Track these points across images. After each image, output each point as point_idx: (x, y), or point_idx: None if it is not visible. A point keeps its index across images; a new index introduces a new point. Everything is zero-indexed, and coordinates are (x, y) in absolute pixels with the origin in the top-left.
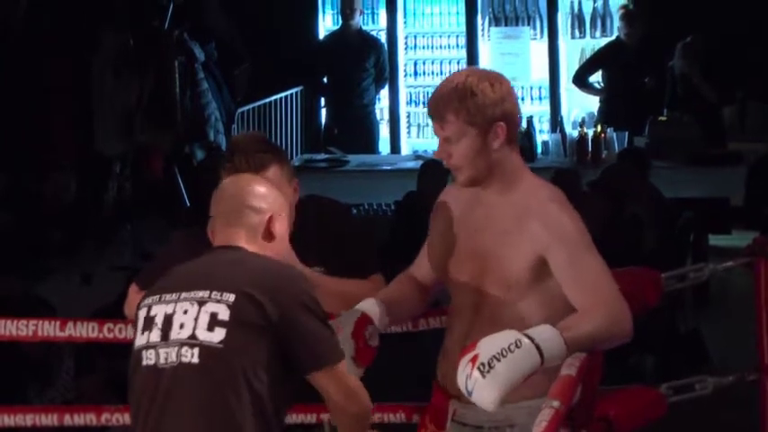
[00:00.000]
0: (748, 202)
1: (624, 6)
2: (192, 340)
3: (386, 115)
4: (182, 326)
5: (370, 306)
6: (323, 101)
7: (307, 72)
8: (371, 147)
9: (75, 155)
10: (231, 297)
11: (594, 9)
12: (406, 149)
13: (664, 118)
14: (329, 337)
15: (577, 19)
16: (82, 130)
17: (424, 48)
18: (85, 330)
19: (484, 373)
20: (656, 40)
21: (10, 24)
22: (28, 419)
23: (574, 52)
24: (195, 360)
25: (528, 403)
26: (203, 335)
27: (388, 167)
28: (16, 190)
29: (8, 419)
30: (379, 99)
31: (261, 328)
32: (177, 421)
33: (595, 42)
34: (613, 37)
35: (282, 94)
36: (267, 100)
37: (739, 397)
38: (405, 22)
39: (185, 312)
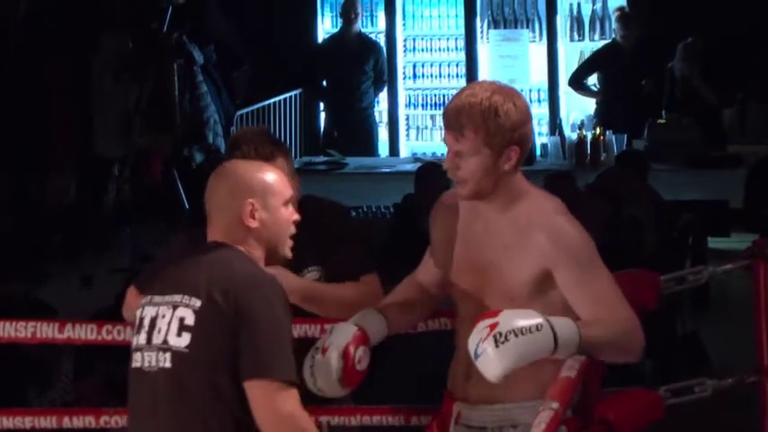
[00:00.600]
0: (747, 205)
1: (620, 8)
2: (165, 345)
3: (385, 118)
4: (159, 330)
5: (369, 320)
6: (322, 104)
7: (306, 75)
8: (370, 149)
9: (74, 157)
10: (197, 302)
11: (593, 12)
12: (404, 152)
13: (663, 120)
14: (280, 353)
15: (576, 21)
16: (81, 132)
17: (422, 50)
18: (84, 332)
19: (498, 343)
20: (653, 42)
21: (9, 26)
22: (27, 422)
23: (573, 55)
24: (168, 365)
25: (532, 403)
26: (173, 340)
27: (387, 170)
28: (16, 192)
29: (7, 422)
30: (377, 102)
31: (223, 330)
32: (153, 424)
33: (594, 45)
34: (610, 39)
35: (281, 97)
36: (266, 102)
37: (739, 399)
38: (404, 25)
39: (163, 317)
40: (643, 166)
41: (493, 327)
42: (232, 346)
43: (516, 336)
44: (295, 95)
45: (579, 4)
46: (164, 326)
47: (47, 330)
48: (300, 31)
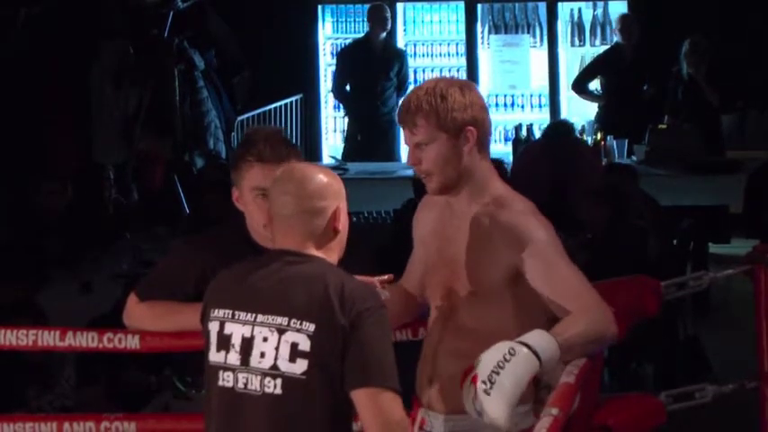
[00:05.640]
0: (748, 211)
1: (623, 14)
2: (275, 371)
3: None
4: (262, 354)
5: None
6: (343, 108)
7: (333, 80)
8: (394, 154)
9: (75, 163)
10: (311, 327)
11: (594, 17)
12: (405, 157)
13: (664, 126)
14: (386, 360)
15: (577, 27)
16: (82, 138)
17: (423, 56)
18: (85, 340)
19: (488, 390)
20: (655, 46)
21: (9, 32)
22: (28, 428)
23: (573, 60)
24: (278, 391)
25: None
26: (285, 365)
27: (388, 175)
28: (15, 199)
29: (8, 428)
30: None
31: (340, 351)
32: None
33: (595, 50)
34: (612, 44)
35: (282, 102)
36: (267, 108)
37: (739, 405)
38: (404, 30)
39: (265, 340)
40: (632, 178)
41: (475, 380)
42: (344, 361)
43: (498, 372)
44: (295, 100)
45: (580, 10)
46: (269, 350)
47: (48, 338)
48: (301, 37)
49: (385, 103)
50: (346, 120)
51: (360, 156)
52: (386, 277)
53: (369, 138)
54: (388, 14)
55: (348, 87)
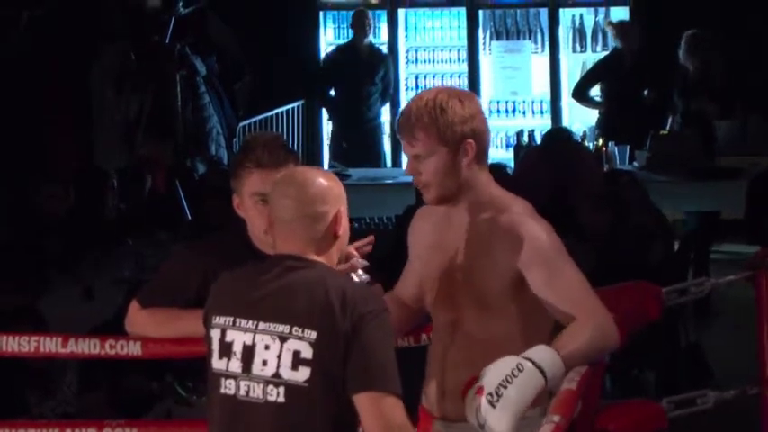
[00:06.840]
0: (749, 216)
1: (620, 20)
2: (277, 379)
3: (387, 129)
4: (264, 362)
5: None
6: (327, 114)
7: (315, 85)
8: (378, 160)
9: (76, 168)
10: (313, 334)
11: (596, 23)
12: (393, 163)
13: (665, 132)
14: (388, 364)
15: (578, 33)
16: (82, 139)
17: (425, 62)
18: (87, 347)
19: (493, 403)
20: (655, 52)
21: (11, 37)
22: None
23: (575, 66)
24: (281, 399)
25: None
26: (288, 374)
27: (389, 181)
28: (17, 202)
29: None
30: (381, 113)
31: (342, 357)
32: None
33: (596, 56)
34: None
35: (284, 108)
36: (269, 114)
37: (741, 411)
38: (406, 37)
39: (267, 348)
40: (634, 183)
41: (480, 391)
42: (346, 365)
43: (505, 387)
44: (297, 107)
45: (581, 16)
46: (271, 358)
47: (50, 345)
48: (303, 43)
49: (371, 108)
50: (331, 125)
51: (346, 161)
52: (364, 241)
53: (355, 143)
54: (371, 21)
55: (334, 92)
